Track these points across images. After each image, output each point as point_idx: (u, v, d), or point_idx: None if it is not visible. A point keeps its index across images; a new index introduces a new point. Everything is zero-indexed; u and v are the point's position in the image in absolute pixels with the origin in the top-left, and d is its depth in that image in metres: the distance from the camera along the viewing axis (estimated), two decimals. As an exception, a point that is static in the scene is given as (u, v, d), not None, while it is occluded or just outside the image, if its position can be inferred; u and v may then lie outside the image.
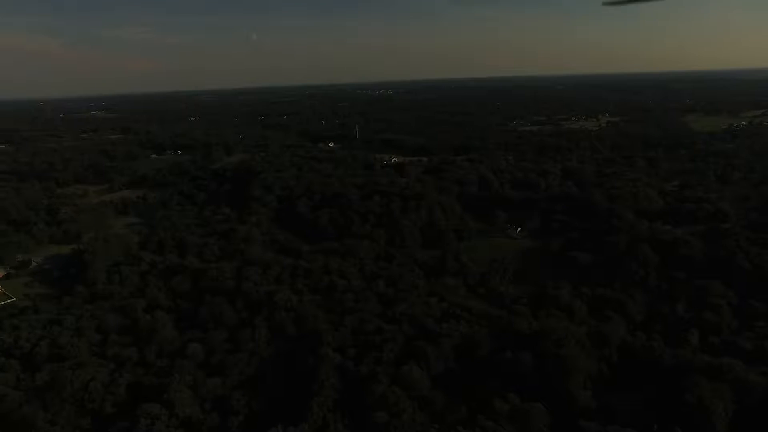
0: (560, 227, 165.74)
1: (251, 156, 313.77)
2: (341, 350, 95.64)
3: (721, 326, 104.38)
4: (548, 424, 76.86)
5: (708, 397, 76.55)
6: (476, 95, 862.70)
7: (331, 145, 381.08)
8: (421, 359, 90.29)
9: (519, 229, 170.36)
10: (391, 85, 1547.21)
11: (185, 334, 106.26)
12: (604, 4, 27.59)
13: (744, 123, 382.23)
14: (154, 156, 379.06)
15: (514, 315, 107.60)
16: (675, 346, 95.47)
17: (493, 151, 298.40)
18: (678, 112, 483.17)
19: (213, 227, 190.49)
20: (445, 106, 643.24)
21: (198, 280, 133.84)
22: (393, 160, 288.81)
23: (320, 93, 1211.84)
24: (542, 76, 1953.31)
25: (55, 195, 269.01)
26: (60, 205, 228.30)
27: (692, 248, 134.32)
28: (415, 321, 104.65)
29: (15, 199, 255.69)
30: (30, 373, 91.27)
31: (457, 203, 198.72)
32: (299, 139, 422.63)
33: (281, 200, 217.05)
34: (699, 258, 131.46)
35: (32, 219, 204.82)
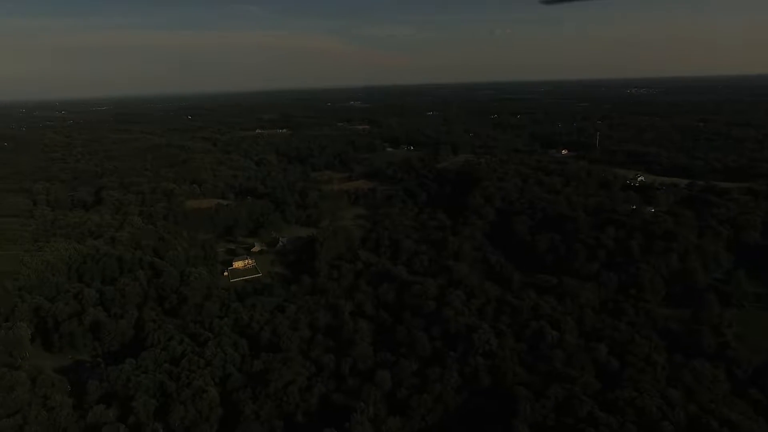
0: None
1: (476, 158, 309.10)
2: (539, 432, 79.85)
3: None
4: None
5: None
6: (763, 97, 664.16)
7: (564, 152, 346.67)
8: (646, 485, 67.97)
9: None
10: (646, 82, 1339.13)
11: (378, 353, 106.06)
12: (542, 2, 26.98)
13: None
14: (389, 149, 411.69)
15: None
16: None
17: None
18: None
19: (427, 233, 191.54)
20: (718, 112, 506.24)
21: (402, 293, 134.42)
22: (639, 179, 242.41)
23: (560, 90, 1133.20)
24: None
25: (309, 179, 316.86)
26: (310, 189, 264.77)
27: None
28: (644, 420, 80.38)
29: (282, 179, 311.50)
30: (251, 358, 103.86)
31: (725, 251, 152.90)
32: (529, 142, 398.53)
33: (499, 213, 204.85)
34: None
35: (288, 200, 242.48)
